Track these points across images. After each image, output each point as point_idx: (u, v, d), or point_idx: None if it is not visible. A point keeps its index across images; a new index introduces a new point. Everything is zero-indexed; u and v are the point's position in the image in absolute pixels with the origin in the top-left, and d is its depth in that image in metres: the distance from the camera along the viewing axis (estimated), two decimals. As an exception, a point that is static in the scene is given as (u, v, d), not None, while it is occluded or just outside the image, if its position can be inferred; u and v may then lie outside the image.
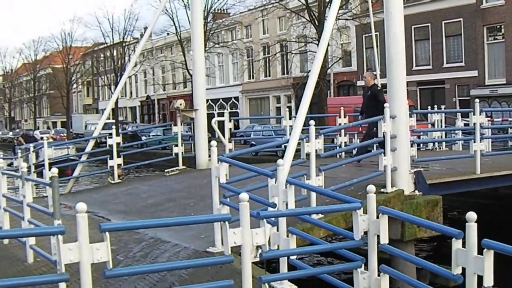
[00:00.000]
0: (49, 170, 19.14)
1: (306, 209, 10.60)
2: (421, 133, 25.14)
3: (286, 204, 9.69)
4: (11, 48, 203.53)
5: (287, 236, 9.08)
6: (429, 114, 29.69)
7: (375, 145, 20.72)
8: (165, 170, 22.16)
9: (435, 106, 32.36)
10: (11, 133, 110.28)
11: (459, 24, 51.85)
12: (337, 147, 23.15)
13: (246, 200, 7.28)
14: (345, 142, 23.19)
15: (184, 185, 18.96)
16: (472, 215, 6.72)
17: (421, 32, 54.51)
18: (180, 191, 17.98)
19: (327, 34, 14.13)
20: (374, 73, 22.94)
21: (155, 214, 14.88)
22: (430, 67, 54.15)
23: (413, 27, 52.61)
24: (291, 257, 9.39)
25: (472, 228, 6.77)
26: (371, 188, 8.29)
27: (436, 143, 27.04)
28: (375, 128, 19.24)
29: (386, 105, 14.38)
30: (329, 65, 50.33)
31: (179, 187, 18.83)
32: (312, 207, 11.44)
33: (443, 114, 28.32)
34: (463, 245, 6.95)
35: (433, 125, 27.78)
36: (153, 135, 57.68)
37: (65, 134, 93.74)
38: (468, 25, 51.04)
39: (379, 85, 20.66)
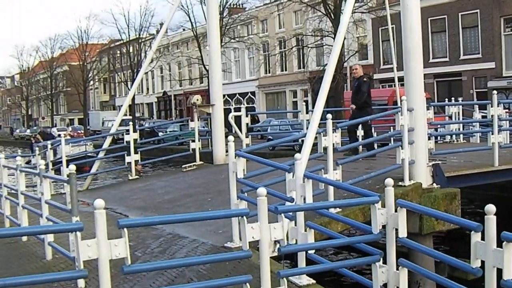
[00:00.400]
0: (67, 167, 19.21)
1: (324, 203, 10.56)
2: (439, 126, 25.04)
3: (304, 199, 9.66)
4: (28, 46, 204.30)
5: (305, 230, 9.06)
6: (446, 107, 29.59)
7: (392, 138, 20.69)
8: (182, 166, 22.16)
9: (452, 98, 32.25)
10: (28, 130, 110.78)
11: (476, 15, 51.61)
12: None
13: (264, 194, 7.26)
14: (362, 136, 23.09)
15: (201, 180, 18.98)
16: (491, 208, 6.68)
17: (438, 24, 54.30)
18: (198, 187, 17.99)
19: (344, 27, 14.10)
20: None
21: (173, 209, 14.89)
22: (447, 59, 53.93)
23: (429, 19, 52.38)
24: (309, 252, 9.38)
25: (491, 221, 6.71)
26: (389, 181, 8.24)
27: (454, 136, 26.92)
28: (369, 121, 19.37)
29: (403, 97, 14.33)
30: (346, 59, 50.29)
31: (196, 182, 18.84)
32: (330, 201, 11.40)
33: (461, 107, 28.20)
34: (482, 238, 6.92)
35: (450, 117, 27.67)
36: (170, 131, 57.67)
37: (82, 131, 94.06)
38: (485, 16, 50.79)
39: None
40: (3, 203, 14.61)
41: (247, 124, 22.68)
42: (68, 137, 41.58)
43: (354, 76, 20.96)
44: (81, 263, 6.56)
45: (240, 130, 22.11)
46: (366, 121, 19.26)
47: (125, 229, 6.62)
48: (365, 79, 19.73)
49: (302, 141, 15.11)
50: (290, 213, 9.04)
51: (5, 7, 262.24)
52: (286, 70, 73.79)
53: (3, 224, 14.54)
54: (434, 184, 14.73)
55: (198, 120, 22.50)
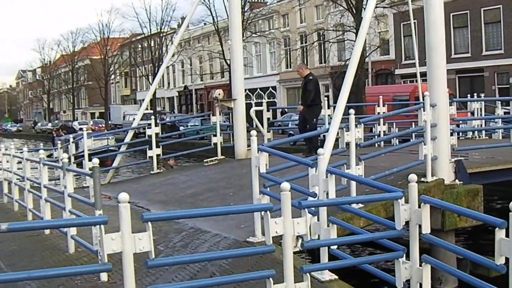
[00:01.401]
0: (89, 160, 19.28)
1: (348, 198, 10.55)
2: (461, 122, 24.94)
3: (327, 194, 9.65)
4: (50, 39, 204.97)
5: (328, 225, 9.04)
6: (468, 103, 29.45)
7: (413, 134, 20.60)
8: (204, 160, 22.19)
9: (474, 94, 32.10)
10: (50, 124, 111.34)
11: (499, 11, 51.25)
12: (376, 136, 23.03)
13: (288, 189, 7.25)
14: (384, 131, 23.07)
15: (223, 175, 18.98)
16: (516, 205, 6.66)
17: (460, 20, 53.92)
18: (219, 181, 18.01)
19: (366, 22, 14.06)
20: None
21: (195, 204, 14.93)
22: (469, 55, 53.58)
23: (451, 14, 52.01)
24: (332, 247, 9.37)
25: (516, 218, 6.70)
26: (413, 177, 8.21)
27: (476, 132, 26.77)
28: (314, 119, 19.36)
29: (426, 93, 14.26)
30: (367, 54, 50.10)
31: (218, 177, 18.85)
32: (354, 197, 11.40)
33: (483, 103, 28.04)
34: (506, 235, 6.89)
35: (472, 113, 27.52)
36: (191, 125, 57.80)
37: (103, 125, 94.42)
38: (507, 11, 50.43)
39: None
40: (26, 196, 14.70)
41: (268, 118, 22.70)
42: (90, 131, 41.74)
43: (300, 77, 20.64)
44: (105, 256, 6.57)
45: (262, 125, 22.12)
46: (312, 120, 19.28)
47: (149, 223, 6.63)
48: (310, 77, 19.54)
49: (324, 136, 15.08)
50: (313, 208, 9.04)
51: (26, 1, 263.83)
52: (307, 65, 73.56)
53: (26, 217, 14.64)
54: (457, 181, 14.69)
55: (219, 114, 22.52)
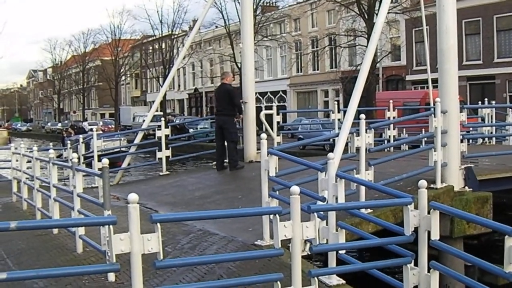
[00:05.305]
0: (99, 161, 19.28)
1: (357, 203, 10.54)
2: (471, 128, 24.84)
3: (336, 198, 9.63)
4: (61, 40, 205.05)
5: (336, 230, 9.02)
6: (479, 109, 29.33)
7: (423, 140, 20.53)
8: (213, 163, 22.16)
9: (486, 101, 32.01)
10: (60, 124, 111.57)
11: (511, 18, 51.13)
12: (386, 141, 22.97)
13: (298, 193, 7.22)
14: (394, 136, 22.99)
15: (232, 177, 18.97)
16: (526, 212, 6.63)
17: (472, 26, 53.83)
18: (228, 184, 17.99)
19: (379, 28, 14.03)
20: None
21: (203, 206, 14.89)
22: (480, 62, 53.46)
23: (464, 21, 51.89)
24: (340, 252, 9.35)
25: (525, 225, 6.67)
26: (423, 183, 8.19)
27: (486, 138, 26.65)
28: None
29: (437, 99, 14.25)
30: (378, 59, 50.08)
31: (226, 179, 18.84)
32: (363, 202, 11.38)
33: (494, 109, 27.93)
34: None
35: (483, 119, 27.41)
36: (200, 128, 57.85)
37: (113, 126, 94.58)
38: (520, 19, 50.38)
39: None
40: (35, 195, 14.71)
41: (278, 122, 22.66)
42: (100, 131, 41.82)
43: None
44: (114, 256, 6.56)
45: (271, 128, 22.08)
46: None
47: (158, 224, 6.62)
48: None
49: (333, 140, 15.06)
50: (322, 213, 9.02)
51: (38, 1, 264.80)
52: (318, 69, 73.70)
53: (34, 216, 14.64)
54: (466, 187, 14.65)
55: (229, 117, 22.49)
